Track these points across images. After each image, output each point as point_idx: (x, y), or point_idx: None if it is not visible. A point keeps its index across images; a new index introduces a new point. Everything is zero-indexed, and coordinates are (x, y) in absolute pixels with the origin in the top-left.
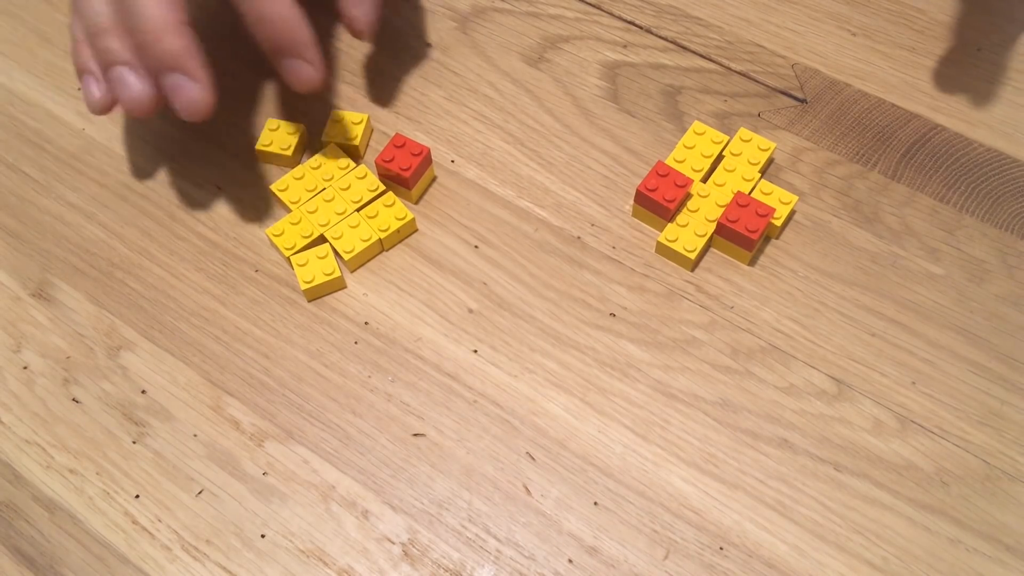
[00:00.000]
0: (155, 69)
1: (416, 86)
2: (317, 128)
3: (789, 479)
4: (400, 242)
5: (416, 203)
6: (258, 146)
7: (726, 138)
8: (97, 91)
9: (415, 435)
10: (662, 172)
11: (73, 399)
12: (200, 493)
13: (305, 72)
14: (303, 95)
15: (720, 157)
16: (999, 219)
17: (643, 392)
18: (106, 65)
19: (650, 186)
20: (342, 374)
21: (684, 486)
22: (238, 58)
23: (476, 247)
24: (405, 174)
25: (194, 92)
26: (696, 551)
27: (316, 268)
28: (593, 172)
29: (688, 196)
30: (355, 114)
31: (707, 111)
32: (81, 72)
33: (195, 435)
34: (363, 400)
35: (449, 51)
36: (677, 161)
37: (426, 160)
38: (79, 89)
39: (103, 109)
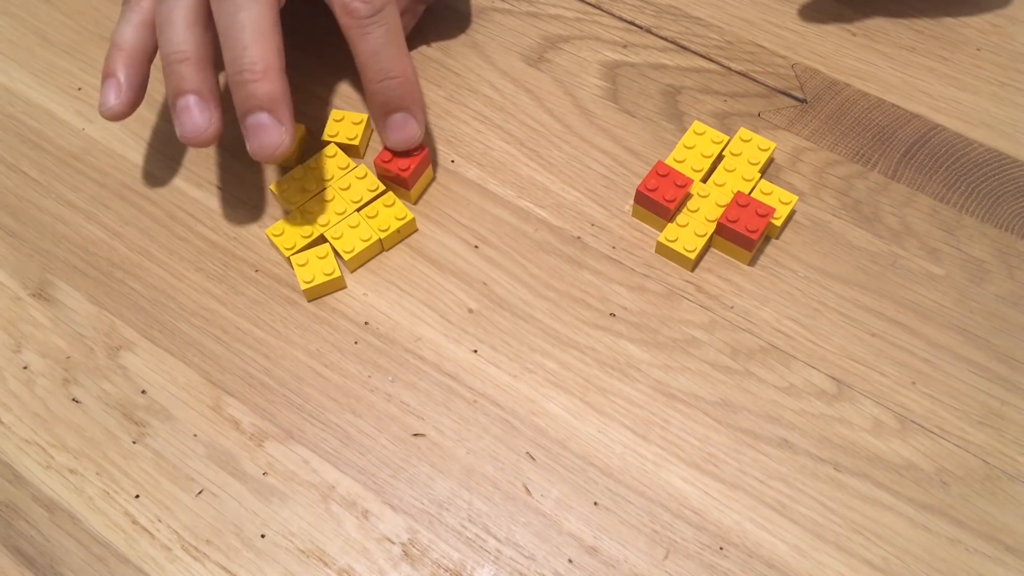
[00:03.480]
0: (245, 107)
1: None
2: (317, 128)
3: (789, 479)
4: (400, 242)
5: (415, 203)
6: None
7: (726, 138)
8: (114, 98)
9: (415, 435)
10: (662, 172)
11: (73, 399)
12: (200, 493)
13: (411, 128)
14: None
15: (720, 157)
16: (999, 219)
17: (643, 392)
18: (176, 92)
19: (650, 186)
20: (342, 374)
21: (684, 486)
22: None
23: (476, 247)
24: (404, 174)
25: (275, 135)
26: (696, 551)
27: (316, 268)
28: (593, 172)
29: (688, 196)
30: (355, 114)
31: (707, 111)
32: (106, 76)
33: (195, 435)
34: (363, 400)
35: (449, 51)
36: (677, 161)
37: (424, 160)
38: (79, 89)
39: (116, 117)
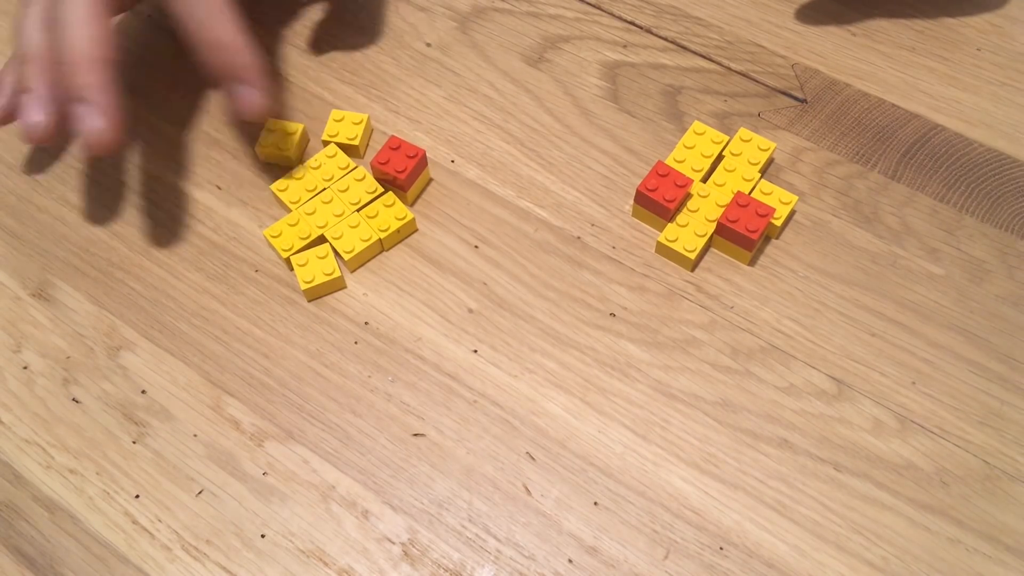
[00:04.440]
0: (67, 98)
1: (416, 86)
2: (317, 128)
3: (789, 479)
4: (400, 242)
5: (411, 205)
6: (258, 146)
7: (726, 138)
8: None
9: (415, 435)
10: (662, 172)
11: (73, 399)
12: (200, 493)
13: (248, 97)
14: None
15: (720, 157)
16: (999, 219)
17: (643, 392)
18: (20, 90)
19: (650, 186)
20: (342, 374)
21: (684, 486)
22: None
23: (476, 247)
24: (400, 176)
25: (96, 123)
26: (696, 551)
27: (316, 268)
28: (593, 172)
29: (688, 196)
30: (355, 114)
31: (707, 111)
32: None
33: (195, 435)
34: (363, 400)
35: (449, 51)
36: (677, 161)
37: (421, 162)
38: None
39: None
